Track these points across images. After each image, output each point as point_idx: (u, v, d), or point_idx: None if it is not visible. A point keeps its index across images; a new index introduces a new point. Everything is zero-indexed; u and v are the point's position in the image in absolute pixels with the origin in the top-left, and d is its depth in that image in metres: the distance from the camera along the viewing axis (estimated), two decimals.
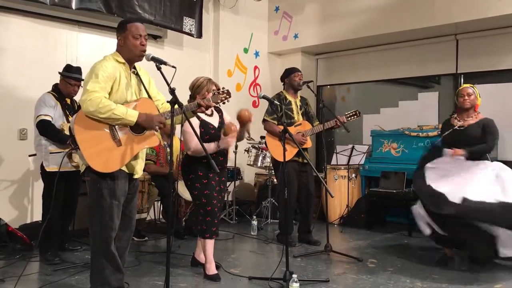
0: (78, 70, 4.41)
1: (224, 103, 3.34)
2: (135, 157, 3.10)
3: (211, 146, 3.74)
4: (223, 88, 3.37)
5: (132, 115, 2.93)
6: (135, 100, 3.10)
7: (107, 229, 3.01)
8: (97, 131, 2.92)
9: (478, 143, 4.19)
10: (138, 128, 3.03)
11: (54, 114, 4.18)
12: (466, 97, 4.30)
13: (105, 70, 2.95)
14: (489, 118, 4.32)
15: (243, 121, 3.86)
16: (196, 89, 3.87)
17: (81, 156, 2.95)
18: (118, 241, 3.15)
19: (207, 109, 3.25)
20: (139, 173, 3.21)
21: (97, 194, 2.99)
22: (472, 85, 4.41)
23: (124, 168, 3.05)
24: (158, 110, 3.16)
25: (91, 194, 3.04)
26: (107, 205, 2.99)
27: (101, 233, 3.01)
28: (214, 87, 3.87)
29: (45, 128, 4.13)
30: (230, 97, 3.33)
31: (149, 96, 3.17)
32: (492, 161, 4.33)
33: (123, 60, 3.08)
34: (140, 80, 3.17)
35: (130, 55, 3.09)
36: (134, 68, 3.17)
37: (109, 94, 2.97)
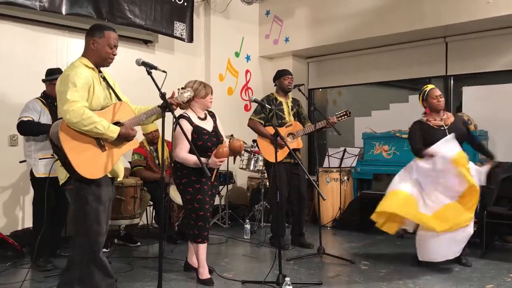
0: (59, 70, 4.40)
1: (188, 101, 3.40)
2: (117, 162, 3.14)
3: (196, 161, 3.70)
4: (184, 86, 3.44)
5: (113, 131, 2.94)
6: (113, 105, 3.10)
7: (96, 235, 2.98)
8: (83, 140, 2.92)
9: (464, 140, 4.25)
10: None
11: (40, 118, 4.17)
12: (440, 99, 4.32)
13: (80, 77, 2.92)
14: (459, 115, 4.37)
15: (235, 152, 3.88)
16: (194, 91, 3.85)
17: (66, 164, 2.91)
18: None
19: (177, 106, 3.30)
20: (120, 176, 3.23)
21: (81, 202, 2.97)
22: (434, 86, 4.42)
23: (108, 173, 3.06)
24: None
25: (75, 202, 3.02)
26: (93, 211, 2.97)
27: (89, 240, 2.98)
28: (210, 89, 3.94)
29: (23, 127, 4.11)
30: (194, 95, 3.50)
31: (119, 99, 3.20)
32: (481, 162, 4.37)
33: (92, 65, 3.06)
34: (108, 84, 3.18)
35: (99, 60, 3.09)
36: (101, 72, 3.17)
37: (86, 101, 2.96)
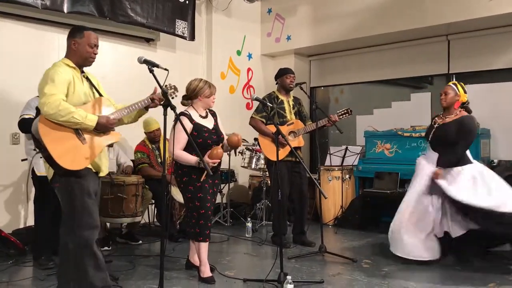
0: None
1: (173, 98, 3.38)
2: (99, 156, 3.14)
3: (192, 160, 3.71)
4: (169, 83, 3.45)
5: (91, 120, 2.98)
6: (94, 100, 3.16)
7: (88, 228, 2.99)
8: (62, 131, 2.95)
9: (451, 142, 4.18)
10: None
11: None
12: (442, 96, 4.32)
13: (59, 74, 3.00)
14: (469, 116, 4.28)
15: (233, 146, 3.93)
16: (199, 91, 3.85)
17: (47, 158, 2.94)
18: None
19: (160, 102, 3.28)
20: (104, 171, 3.24)
21: (70, 196, 3.00)
22: (456, 82, 4.38)
23: (90, 167, 3.08)
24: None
25: (64, 198, 3.04)
26: (83, 204, 2.99)
27: (82, 234, 2.98)
28: (214, 89, 3.93)
29: (25, 125, 4.10)
30: (177, 91, 3.51)
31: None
32: (483, 160, 4.36)
33: (73, 65, 3.13)
34: (91, 83, 3.23)
35: (80, 60, 3.15)
36: (83, 72, 3.23)
37: (66, 97, 3.00)
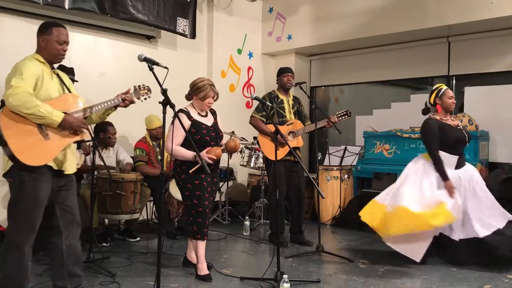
0: (71, 71, 4.44)
1: (145, 99, 3.37)
2: (64, 153, 3.06)
3: (188, 155, 3.72)
4: (143, 84, 3.40)
5: (57, 116, 2.91)
6: (62, 96, 3.09)
7: (25, 231, 2.94)
8: (25, 126, 2.88)
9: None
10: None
11: None
12: (454, 100, 4.33)
13: (28, 68, 2.95)
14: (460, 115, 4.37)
15: (230, 152, 3.94)
16: (195, 90, 3.86)
17: (7, 152, 2.88)
18: (66, 239, 3.10)
19: (130, 103, 3.26)
20: (69, 169, 3.13)
21: (19, 195, 2.94)
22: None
23: (52, 164, 2.99)
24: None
25: (13, 195, 2.99)
26: (26, 207, 2.93)
27: (16, 235, 2.94)
28: (213, 94, 3.88)
29: None
30: (150, 93, 3.41)
31: None
32: (482, 162, 4.37)
33: (43, 60, 3.08)
34: (61, 80, 3.17)
35: (50, 57, 3.10)
36: (54, 68, 3.17)
37: (34, 91, 2.94)
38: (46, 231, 3.17)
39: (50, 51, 3.08)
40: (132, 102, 3.27)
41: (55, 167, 3.03)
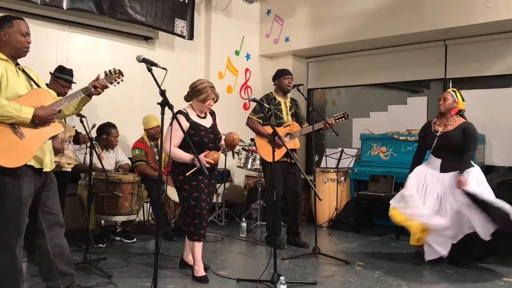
0: (70, 72, 4.43)
1: (118, 83, 3.31)
2: (42, 150, 2.99)
3: (186, 157, 3.73)
4: (114, 68, 3.33)
5: (26, 112, 2.81)
6: (30, 92, 2.98)
7: (13, 233, 2.90)
8: None
9: (459, 148, 4.25)
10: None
11: None
12: (442, 101, 4.36)
13: None
14: (469, 122, 4.35)
15: (229, 145, 3.93)
16: (196, 92, 3.86)
17: None
18: (50, 240, 3.07)
19: (103, 89, 3.19)
20: (49, 166, 3.08)
21: (3, 198, 2.86)
22: (455, 89, 4.46)
23: (33, 163, 2.93)
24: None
25: None
26: (11, 208, 2.88)
27: (5, 237, 2.88)
28: (214, 96, 3.89)
29: None
30: (123, 76, 3.32)
31: None
32: (478, 165, 4.39)
33: (5, 57, 2.97)
34: (28, 76, 3.07)
35: (13, 51, 2.98)
36: (18, 64, 3.07)
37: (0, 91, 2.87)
38: (31, 234, 3.14)
39: (14, 44, 2.95)
40: (105, 87, 3.18)
41: (36, 166, 2.96)
